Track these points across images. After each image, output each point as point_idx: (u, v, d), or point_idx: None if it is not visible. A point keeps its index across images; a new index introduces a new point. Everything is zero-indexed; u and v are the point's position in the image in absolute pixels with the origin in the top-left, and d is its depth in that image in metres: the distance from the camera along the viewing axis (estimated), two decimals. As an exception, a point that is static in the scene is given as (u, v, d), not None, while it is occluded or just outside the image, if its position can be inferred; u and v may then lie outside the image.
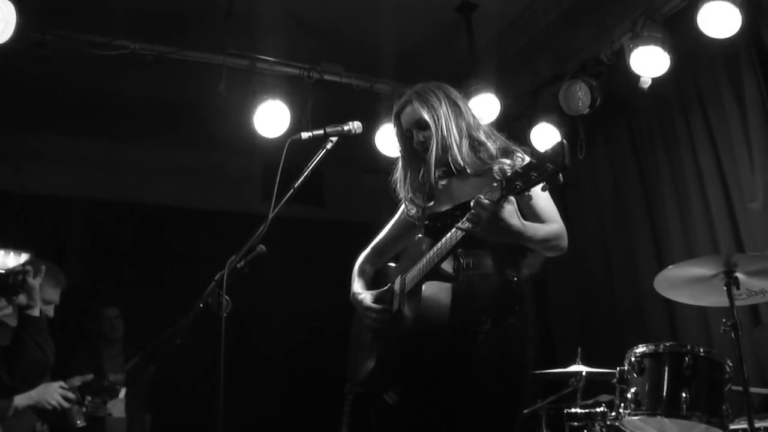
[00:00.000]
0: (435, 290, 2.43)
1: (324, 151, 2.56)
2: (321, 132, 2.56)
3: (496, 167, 2.47)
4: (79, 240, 6.17)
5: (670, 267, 3.22)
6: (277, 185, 2.38)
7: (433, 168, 2.63)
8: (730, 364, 3.08)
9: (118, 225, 6.30)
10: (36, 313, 2.93)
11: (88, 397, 3.56)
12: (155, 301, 5.46)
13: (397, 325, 2.61)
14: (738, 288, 3.09)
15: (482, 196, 2.15)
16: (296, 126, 4.76)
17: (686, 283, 3.24)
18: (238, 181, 6.68)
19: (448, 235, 2.40)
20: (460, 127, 2.63)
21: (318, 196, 6.98)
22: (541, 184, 2.01)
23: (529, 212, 2.41)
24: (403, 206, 2.87)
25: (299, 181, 2.42)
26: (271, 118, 4.79)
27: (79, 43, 4.46)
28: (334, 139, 2.58)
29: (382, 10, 4.87)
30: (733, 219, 4.27)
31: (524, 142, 5.21)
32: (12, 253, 5.65)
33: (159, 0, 4.64)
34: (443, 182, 2.71)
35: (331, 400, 4.67)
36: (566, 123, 5.21)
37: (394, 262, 2.93)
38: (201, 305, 2.28)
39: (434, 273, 2.46)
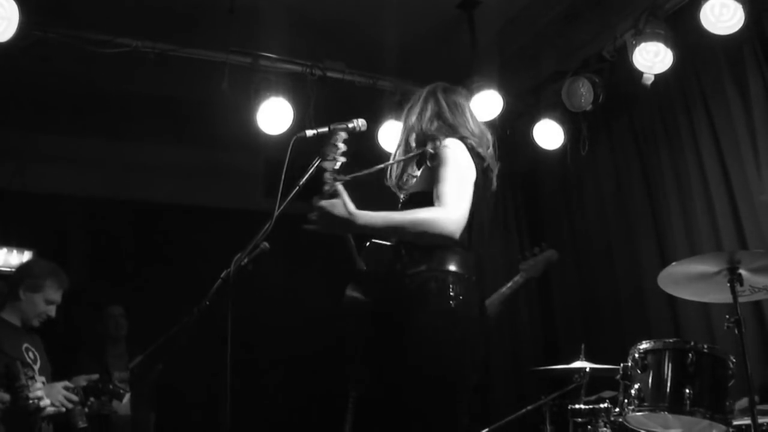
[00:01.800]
0: (353, 294, 2.49)
1: (328, 148, 2.55)
2: (325, 129, 2.55)
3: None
4: (82, 238, 6.17)
5: (673, 264, 3.22)
6: (282, 183, 2.38)
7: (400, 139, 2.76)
8: (734, 360, 3.09)
9: (121, 223, 6.30)
10: None
11: (92, 398, 3.56)
12: (158, 299, 5.46)
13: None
14: (741, 285, 3.08)
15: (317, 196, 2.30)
16: (299, 123, 4.77)
17: (689, 279, 3.24)
18: (241, 178, 6.68)
19: None
20: (425, 107, 2.71)
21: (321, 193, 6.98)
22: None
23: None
24: None
25: (304, 179, 2.41)
26: (274, 115, 4.79)
27: (81, 41, 4.46)
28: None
29: (384, 7, 4.87)
30: (736, 216, 4.26)
31: (527, 139, 5.29)
32: (15, 252, 5.68)
33: (161, -2, 4.65)
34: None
35: (335, 399, 4.67)
36: (569, 119, 5.22)
37: None
38: (206, 303, 2.29)
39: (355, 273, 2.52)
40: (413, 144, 2.67)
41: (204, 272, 2.69)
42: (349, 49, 5.10)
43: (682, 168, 4.71)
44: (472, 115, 2.78)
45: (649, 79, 4.46)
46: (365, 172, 2.45)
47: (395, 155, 2.76)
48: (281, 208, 2.37)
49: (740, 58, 4.31)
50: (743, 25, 4.03)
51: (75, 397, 3.37)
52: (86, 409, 3.50)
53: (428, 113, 2.70)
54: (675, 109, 4.80)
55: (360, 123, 2.60)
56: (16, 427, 3.16)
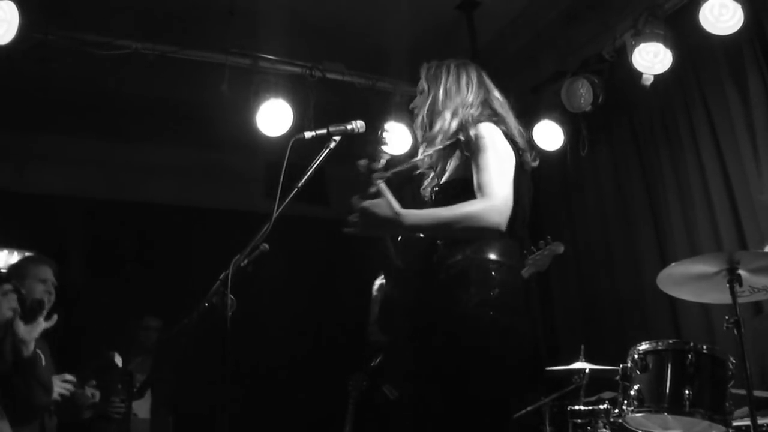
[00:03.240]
0: (391, 293, 2.46)
1: (327, 150, 2.55)
2: (324, 131, 2.55)
3: None
4: (81, 239, 6.18)
5: (673, 264, 3.22)
6: (281, 184, 2.37)
7: (419, 135, 2.60)
8: (733, 361, 3.09)
9: (120, 224, 6.30)
10: (28, 351, 3.10)
11: (92, 382, 3.59)
12: (157, 300, 5.46)
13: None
14: (741, 285, 3.07)
15: (357, 196, 2.21)
16: (299, 124, 4.77)
17: (689, 280, 3.23)
18: (240, 179, 6.68)
19: None
20: (448, 94, 2.57)
21: (322, 194, 6.98)
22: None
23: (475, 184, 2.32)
24: None
25: (303, 180, 2.41)
26: (274, 116, 4.80)
27: (81, 43, 4.47)
28: (338, 138, 2.58)
29: (383, 9, 4.88)
30: (736, 216, 4.26)
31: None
32: (15, 253, 5.68)
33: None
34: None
35: (336, 396, 4.68)
36: (568, 120, 5.21)
37: None
38: (206, 305, 2.28)
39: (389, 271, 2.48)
40: (446, 128, 2.48)
41: (203, 273, 2.69)
42: (349, 51, 5.10)
43: (681, 168, 4.71)
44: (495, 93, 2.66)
45: (648, 79, 4.46)
46: (402, 167, 2.37)
47: (422, 141, 2.60)
48: (280, 209, 2.36)
49: (740, 58, 4.31)
50: (742, 25, 4.03)
51: (72, 378, 3.43)
52: (90, 394, 3.55)
53: (468, 95, 2.56)
54: (674, 110, 4.80)
55: (359, 125, 2.59)
56: (20, 419, 3.18)
